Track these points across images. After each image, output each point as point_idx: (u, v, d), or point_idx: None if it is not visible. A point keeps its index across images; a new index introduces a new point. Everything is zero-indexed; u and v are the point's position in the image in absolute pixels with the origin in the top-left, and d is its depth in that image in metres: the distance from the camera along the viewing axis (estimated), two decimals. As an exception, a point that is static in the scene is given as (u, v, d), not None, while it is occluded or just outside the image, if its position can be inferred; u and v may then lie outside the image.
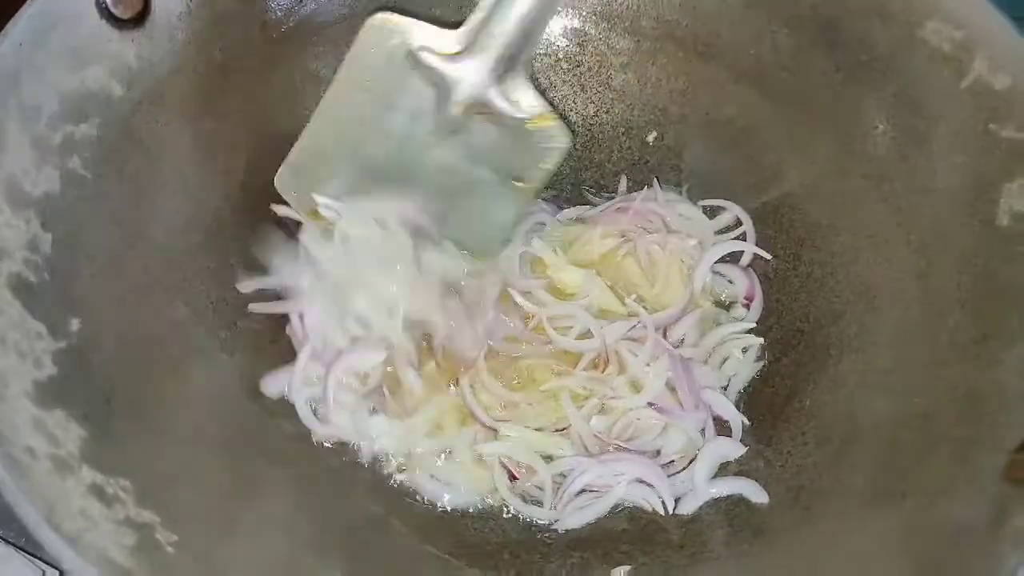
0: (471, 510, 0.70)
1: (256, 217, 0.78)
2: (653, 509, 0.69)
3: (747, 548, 0.64)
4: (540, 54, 0.89)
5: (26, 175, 0.59)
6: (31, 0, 0.61)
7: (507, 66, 0.61)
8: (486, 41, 0.61)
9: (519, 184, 0.66)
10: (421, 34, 0.65)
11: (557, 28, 0.88)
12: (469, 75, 0.62)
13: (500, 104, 0.62)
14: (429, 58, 0.64)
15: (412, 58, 0.65)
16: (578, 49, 0.89)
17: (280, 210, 0.76)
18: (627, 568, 0.64)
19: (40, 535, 0.47)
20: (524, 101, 0.63)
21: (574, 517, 0.69)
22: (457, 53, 0.63)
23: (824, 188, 0.78)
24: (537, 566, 0.66)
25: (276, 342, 0.75)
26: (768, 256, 0.79)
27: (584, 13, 0.88)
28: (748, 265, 0.81)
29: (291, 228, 0.78)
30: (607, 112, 0.89)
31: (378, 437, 0.72)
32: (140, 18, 0.68)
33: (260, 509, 0.62)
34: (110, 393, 0.59)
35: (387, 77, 0.67)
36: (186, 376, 0.67)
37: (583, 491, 0.70)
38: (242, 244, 0.76)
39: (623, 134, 0.89)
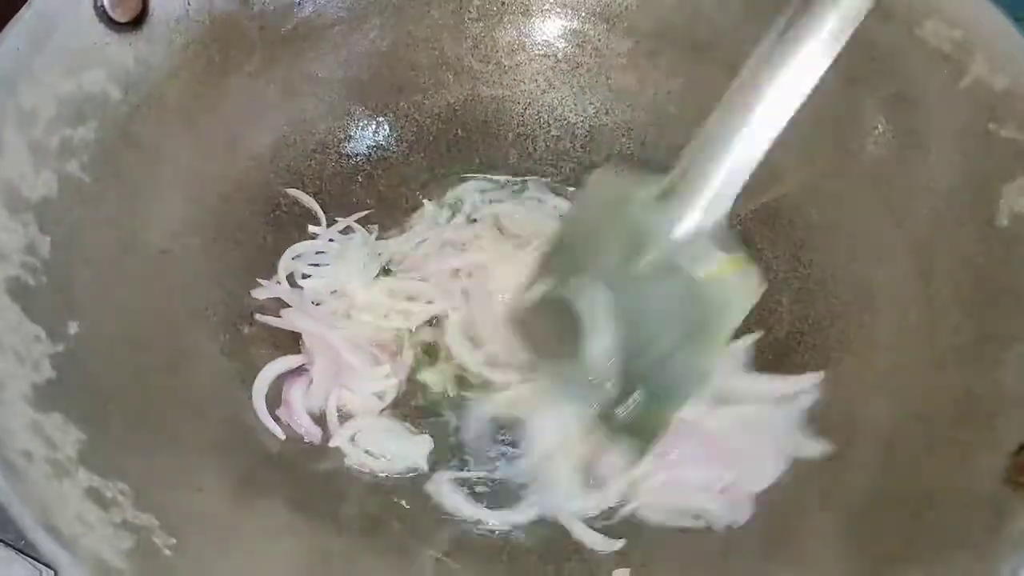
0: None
1: (256, 220, 0.78)
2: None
3: (747, 550, 0.64)
4: (538, 55, 0.89)
5: (23, 179, 0.59)
6: (28, 3, 0.62)
7: (705, 213, 0.57)
8: (683, 188, 0.57)
9: (699, 346, 0.61)
10: (633, 183, 0.63)
11: (556, 29, 0.88)
12: (661, 223, 0.59)
13: (680, 257, 0.58)
14: (632, 205, 0.61)
15: (618, 207, 0.62)
16: (577, 50, 0.88)
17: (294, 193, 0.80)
18: (627, 571, 0.64)
19: (36, 538, 0.47)
20: (712, 251, 0.58)
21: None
22: (653, 203, 0.59)
23: (823, 189, 0.77)
24: (536, 567, 0.66)
25: (277, 345, 0.75)
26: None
27: (583, 14, 0.87)
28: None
29: (289, 231, 0.79)
30: (607, 113, 0.89)
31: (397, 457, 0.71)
32: (138, 21, 0.67)
33: (259, 512, 0.63)
34: (108, 396, 0.59)
35: (599, 228, 0.65)
36: (185, 379, 0.67)
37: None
38: (243, 248, 0.77)
39: (623, 135, 0.88)
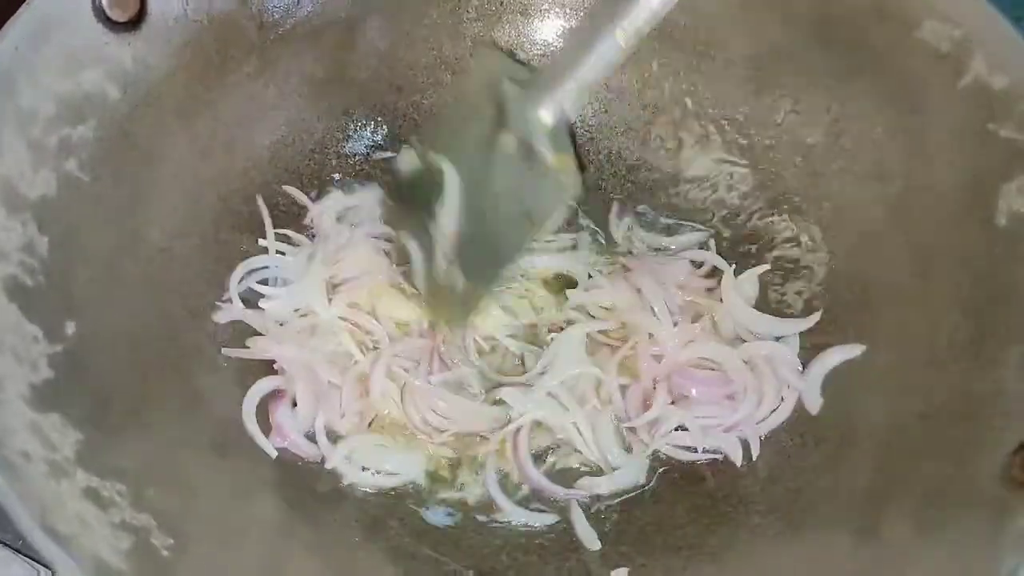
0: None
1: (253, 219, 0.78)
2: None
3: (745, 549, 0.64)
4: (539, 55, 0.89)
5: (22, 178, 0.59)
6: (27, 3, 0.61)
7: (556, 110, 0.64)
8: (544, 84, 0.64)
9: (529, 221, 0.68)
10: (508, 68, 0.69)
11: (555, 29, 0.88)
12: (522, 110, 0.65)
13: (535, 143, 0.64)
14: (503, 88, 0.67)
15: (490, 88, 0.68)
16: (575, 50, 0.88)
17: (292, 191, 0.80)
18: (625, 570, 0.64)
19: (34, 538, 0.47)
20: (556, 144, 0.65)
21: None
22: (524, 86, 0.66)
23: (821, 189, 0.77)
24: (535, 568, 0.66)
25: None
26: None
27: (580, 14, 0.87)
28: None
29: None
30: (606, 112, 0.89)
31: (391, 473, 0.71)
32: (136, 21, 0.68)
33: (257, 513, 0.63)
34: (107, 396, 0.60)
35: (476, 101, 0.70)
36: (183, 379, 0.67)
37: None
38: (241, 247, 0.77)
39: (622, 134, 0.88)
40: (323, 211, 0.81)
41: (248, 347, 0.72)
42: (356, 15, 0.82)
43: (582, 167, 0.66)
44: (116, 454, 0.56)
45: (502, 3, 0.87)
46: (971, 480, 0.55)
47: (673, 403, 0.72)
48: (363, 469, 0.70)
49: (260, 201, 0.79)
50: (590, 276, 0.80)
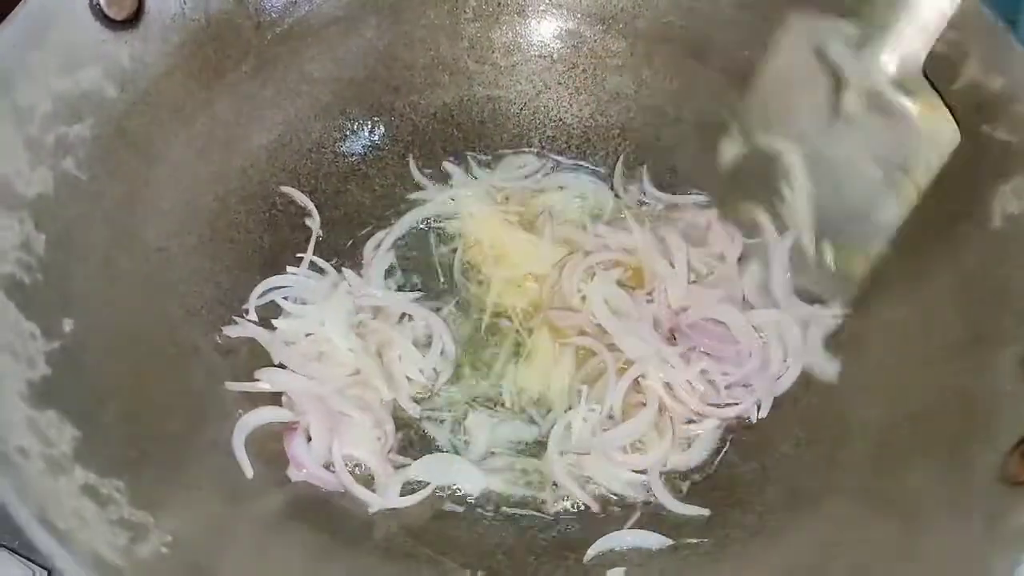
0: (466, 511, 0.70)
1: (251, 219, 0.78)
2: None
3: (740, 549, 0.64)
4: (534, 56, 0.89)
5: (19, 176, 0.59)
6: (24, 1, 0.62)
7: (902, 60, 0.62)
8: (882, 33, 0.62)
9: (904, 183, 0.65)
10: (828, 26, 0.66)
11: (552, 30, 0.88)
12: (863, 67, 0.63)
13: (893, 97, 0.62)
14: (831, 50, 0.65)
15: (817, 53, 0.66)
16: (573, 51, 0.89)
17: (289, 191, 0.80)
18: (622, 570, 0.64)
19: (31, 535, 0.47)
20: (918, 95, 0.63)
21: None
22: (857, 45, 0.64)
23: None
24: (531, 568, 0.66)
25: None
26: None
27: (579, 15, 0.88)
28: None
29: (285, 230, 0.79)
30: (602, 114, 0.89)
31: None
32: (134, 19, 0.68)
33: (254, 510, 0.63)
34: (104, 394, 0.60)
35: (798, 74, 0.69)
36: (181, 377, 0.67)
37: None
38: (238, 247, 0.77)
39: (618, 135, 0.89)
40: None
41: (257, 379, 0.71)
42: (354, 15, 0.82)
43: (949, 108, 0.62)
44: (114, 451, 0.56)
45: (500, 4, 0.87)
46: (965, 480, 0.56)
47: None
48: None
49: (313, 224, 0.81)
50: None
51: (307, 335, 0.74)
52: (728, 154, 0.74)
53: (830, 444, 0.68)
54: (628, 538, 0.67)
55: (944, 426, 0.60)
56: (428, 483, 0.69)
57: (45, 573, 0.63)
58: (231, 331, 0.73)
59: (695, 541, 0.65)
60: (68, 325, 0.60)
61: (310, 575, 0.61)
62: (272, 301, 0.75)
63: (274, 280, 0.76)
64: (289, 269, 0.77)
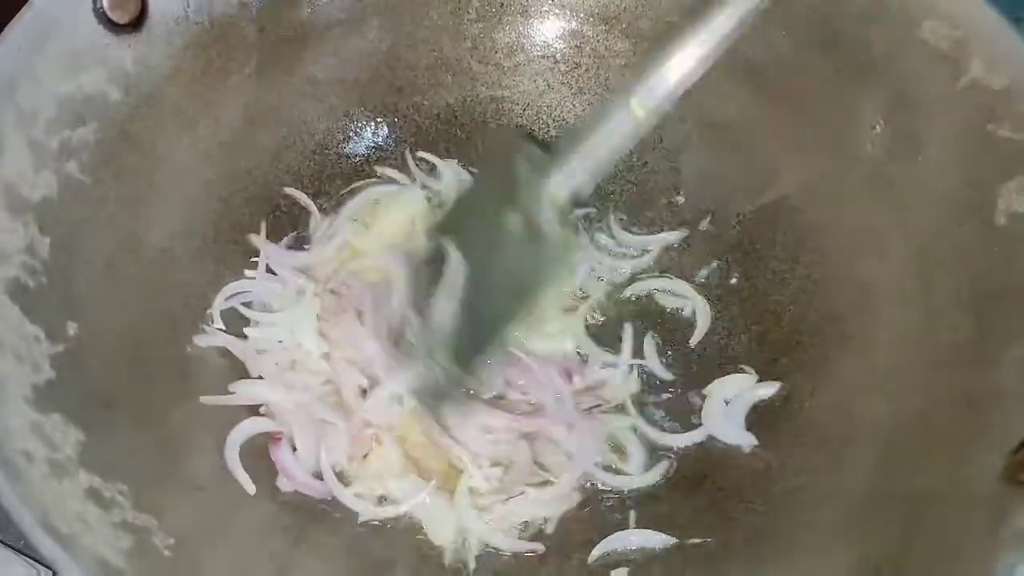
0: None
1: (255, 221, 0.78)
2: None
3: (746, 549, 0.64)
4: (537, 56, 0.89)
5: (23, 179, 0.60)
6: (28, 5, 0.62)
7: (569, 186, 0.63)
8: (559, 161, 0.63)
9: (523, 296, 0.68)
10: (522, 146, 0.67)
11: (554, 30, 0.88)
12: (534, 186, 0.64)
13: (544, 221, 0.64)
14: (517, 165, 0.66)
15: (505, 169, 0.67)
16: (575, 51, 0.89)
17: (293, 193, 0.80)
18: (625, 570, 0.64)
19: (34, 538, 0.47)
20: (563, 220, 0.64)
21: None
22: (538, 167, 0.65)
23: (822, 189, 0.77)
24: (535, 568, 0.66)
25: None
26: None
27: (581, 15, 0.88)
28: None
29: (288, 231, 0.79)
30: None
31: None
32: (137, 23, 0.68)
33: (260, 512, 0.63)
34: (108, 397, 0.60)
35: (488, 179, 0.72)
36: (185, 380, 0.68)
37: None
38: (242, 249, 0.77)
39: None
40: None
41: (232, 392, 0.70)
42: (356, 16, 0.82)
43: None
44: (118, 454, 0.56)
45: (503, 4, 0.87)
46: (970, 479, 0.55)
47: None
48: (378, 502, 0.68)
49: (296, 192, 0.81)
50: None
51: (279, 342, 0.73)
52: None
53: (836, 445, 0.67)
54: (633, 538, 0.67)
55: (950, 427, 0.60)
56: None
57: (50, 573, 0.63)
58: (201, 340, 0.71)
59: (699, 541, 0.65)
60: (72, 328, 0.60)
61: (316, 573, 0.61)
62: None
63: (236, 285, 0.75)
64: (247, 272, 0.76)
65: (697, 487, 0.70)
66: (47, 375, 0.56)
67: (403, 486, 0.68)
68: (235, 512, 0.62)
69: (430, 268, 0.69)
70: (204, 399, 0.68)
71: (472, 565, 0.66)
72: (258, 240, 0.78)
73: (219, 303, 0.74)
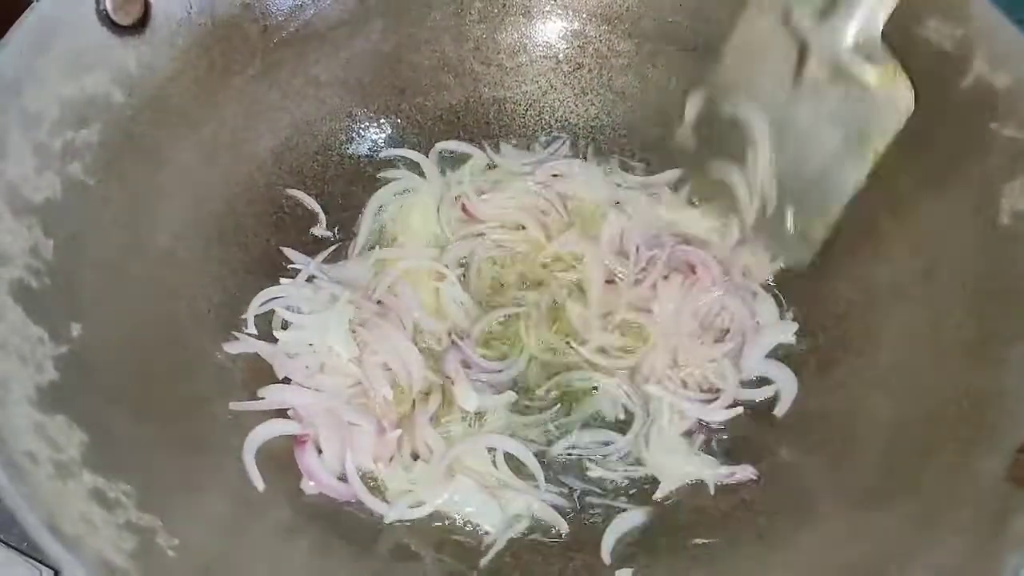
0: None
1: (259, 222, 0.78)
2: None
3: (749, 549, 0.63)
4: (540, 56, 0.89)
5: (27, 181, 0.60)
6: (31, 8, 0.62)
7: (863, 28, 0.63)
8: (844, 3, 0.63)
9: (863, 149, 0.67)
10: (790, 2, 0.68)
11: (557, 31, 0.89)
12: (826, 36, 0.64)
13: (849, 64, 0.64)
14: (794, 17, 0.66)
15: (783, 19, 0.68)
16: (578, 51, 0.89)
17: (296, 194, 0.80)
18: (630, 570, 0.64)
19: (39, 539, 0.47)
20: (877, 63, 0.64)
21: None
22: (821, 14, 0.65)
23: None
24: (539, 569, 0.66)
25: (279, 346, 0.75)
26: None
27: (584, 15, 0.88)
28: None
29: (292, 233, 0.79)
30: (608, 114, 0.89)
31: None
32: (140, 24, 0.68)
33: (262, 514, 0.63)
34: (112, 398, 0.60)
35: (762, 40, 0.70)
36: (189, 381, 0.67)
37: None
38: (246, 250, 0.77)
39: (624, 136, 0.88)
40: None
41: (262, 397, 0.70)
42: (359, 18, 0.82)
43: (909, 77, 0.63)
44: (122, 455, 0.56)
45: (504, 5, 0.87)
46: (975, 479, 0.55)
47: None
48: (410, 508, 0.68)
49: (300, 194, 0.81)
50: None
51: (309, 345, 0.73)
52: (692, 113, 0.76)
53: (841, 444, 0.67)
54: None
55: (954, 425, 0.60)
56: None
57: (51, 573, 0.63)
58: (232, 347, 0.72)
59: (703, 542, 0.65)
60: (76, 329, 0.60)
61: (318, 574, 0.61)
62: (271, 312, 0.75)
63: (271, 291, 0.75)
64: (283, 280, 0.76)
65: (700, 487, 0.70)
66: (51, 376, 0.56)
67: (442, 491, 0.68)
68: (241, 512, 0.61)
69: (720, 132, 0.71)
70: (233, 405, 0.68)
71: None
72: (296, 255, 0.79)
73: (254, 308, 0.74)
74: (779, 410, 0.73)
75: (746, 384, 0.75)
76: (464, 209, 0.83)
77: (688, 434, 0.73)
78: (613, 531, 0.67)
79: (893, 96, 0.63)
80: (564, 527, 0.68)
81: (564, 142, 0.89)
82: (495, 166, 0.87)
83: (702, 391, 0.74)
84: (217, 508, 0.60)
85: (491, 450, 0.71)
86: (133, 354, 0.63)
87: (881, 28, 0.63)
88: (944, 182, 0.68)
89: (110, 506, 0.53)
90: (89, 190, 0.64)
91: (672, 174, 0.85)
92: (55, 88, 0.63)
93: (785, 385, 0.74)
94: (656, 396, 0.73)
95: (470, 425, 0.72)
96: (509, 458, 0.70)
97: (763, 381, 0.75)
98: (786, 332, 0.76)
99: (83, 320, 0.60)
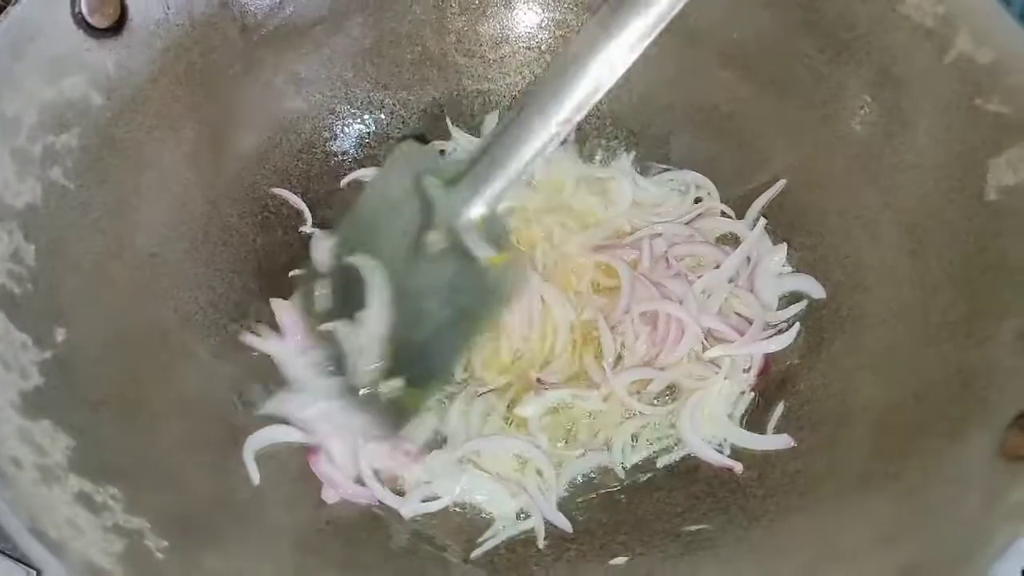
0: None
1: (243, 222, 0.78)
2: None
3: (743, 533, 0.63)
4: (522, 47, 0.89)
5: (7, 187, 0.59)
6: (6, 12, 0.61)
7: (487, 203, 0.64)
8: (472, 178, 0.64)
9: (468, 328, 0.68)
10: (430, 161, 0.69)
11: (539, 20, 0.88)
12: (449, 206, 0.65)
13: (467, 240, 0.64)
14: (426, 182, 0.67)
15: (414, 183, 0.68)
16: (561, 41, 0.88)
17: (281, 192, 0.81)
18: (624, 559, 0.64)
19: (24, 544, 0.47)
20: (493, 238, 0.65)
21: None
22: (450, 182, 0.65)
23: (812, 171, 0.77)
24: (533, 559, 0.65)
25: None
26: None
27: (566, 4, 0.87)
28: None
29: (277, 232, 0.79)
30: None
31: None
32: (117, 27, 0.67)
33: (251, 514, 0.63)
34: (98, 401, 0.59)
35: (398, 197, 0.70)
36: (176, 383, 0.67)
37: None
38: (231, 250, 0.77)
39: (610, 124, 0.88)
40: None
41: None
42: (339, 14, 0.82)
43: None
44: (109, 458, 0.56)
45: (484, -4, 0.87)
46: (965, 456, 0.55)
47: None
48: (422, 502, 0.69)
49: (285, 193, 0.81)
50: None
51: None
52: (322, 263, 0.75)
53: (833, 426, 0.67)
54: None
55: (945, 404, 0.60)
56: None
57: (34, 573, 0.63)
58: (252, 340, 0.73)
59: (696, 528, 0.65)
60: (61, 334, 0.59)
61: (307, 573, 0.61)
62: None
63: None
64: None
65: (693, 473, 0.70)
66: (35, 381, 0.56)
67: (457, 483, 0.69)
68: (229, 512, 0.61)
69: (344, 285, 0.70)
70: (252, 440, 0.67)
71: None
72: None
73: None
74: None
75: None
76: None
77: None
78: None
79: (501, 279, 0.64)
80: (568, 528, 0.68)
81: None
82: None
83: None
84: (207, 509, 0.60)
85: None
86: (119, 357, 0.63)
87: (502, 210, 0.65)
88: (930, 159, 0.67)
89: (97, 509, 0.52)
90: (70, 194, 0.64)
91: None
92: (33, 92, 0.62)
93: (811, 288, 0.75)
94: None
95: (509, 424, 0.73)
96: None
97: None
98: (780, 251, 0.77)
99: (67, 325, 0.60)
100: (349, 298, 0.71)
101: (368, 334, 0.69)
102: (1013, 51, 0.63)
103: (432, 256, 0.66)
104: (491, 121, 0.89)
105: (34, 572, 0.64)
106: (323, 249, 0.76)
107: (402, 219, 0.68)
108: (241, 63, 0.77)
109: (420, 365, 0.69)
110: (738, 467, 0.69)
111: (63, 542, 0.48)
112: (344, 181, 0.84)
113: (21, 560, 0.63)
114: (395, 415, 0.70)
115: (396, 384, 0.69)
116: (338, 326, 0.71)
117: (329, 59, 0.83)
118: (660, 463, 0.71)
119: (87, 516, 0.51)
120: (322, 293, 0.74)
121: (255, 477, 0.65)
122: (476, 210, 0.64)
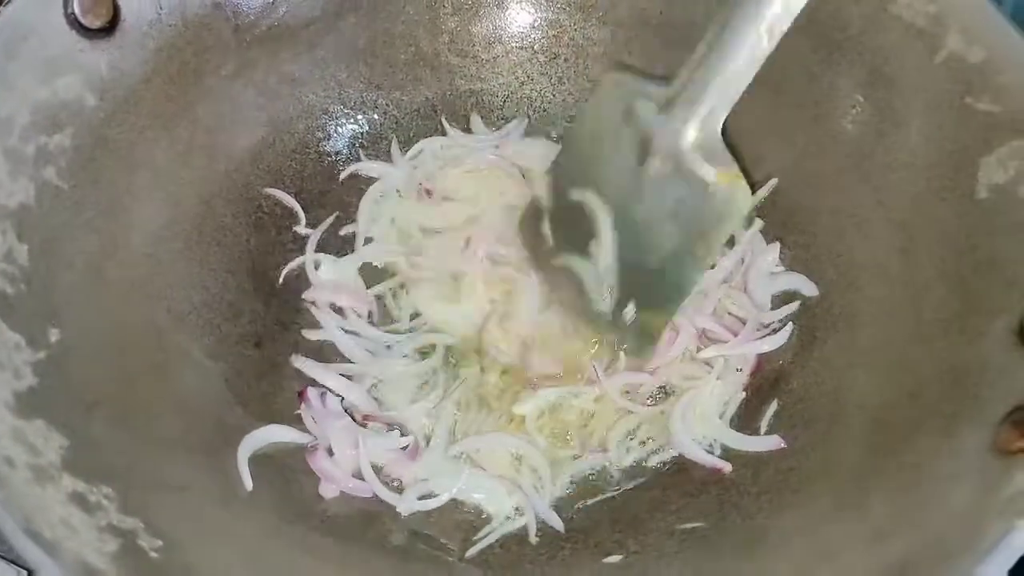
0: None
1: (237, 222, 0.78)
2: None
3: (737, 531, 0.63)
4: (515, 47, 0.89)
5: (0, 186, 0.59)
6: (-1, 12, 0.62)
7: (704, 123, 0.63)
8: (685, 99, 0.62)
9: (701, 249, 0.67)
10: (639, 88, 0.67)
11: (532, 20, 0.88)
12: (667, 130, 0.64)
13: (690, 162, 0.63)
14: (639, 110, 0.66)
15: (626, 112, 0.67)
16: (554, 41, 0.88)
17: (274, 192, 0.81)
18: (618, 557, 0.64)
19: (17, 544, 0.46)
20: (714, 159, 0.64)
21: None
22: (664, 107, 0.64)
23: (804, 170, 0.77)
24: (528, 558, 0.65)
25: (260, 346, 0.75)
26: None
27: (559, 4, 0.87)
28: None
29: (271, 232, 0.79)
30: (586, 103, 0.89)
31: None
32: (110, 27, 0.67)
33: (246, 513, 0.62)
34: (92, 401, 0.59)
35: (608, 131, 0.69)
36: (170, 382, 0.67)
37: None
38: (225, 250, 0.77)
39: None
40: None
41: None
42: (332, 14, 0.82)
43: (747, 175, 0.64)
44: (102, 458, 0.56)
45: (477, -4, 0.87)
46: (959, 452, 0.55)
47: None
48: (419, 499, 0.69)
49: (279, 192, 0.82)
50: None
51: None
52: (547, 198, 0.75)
53: (826, 423, 0.67)
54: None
55: (937, 401, 0.60)
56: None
57: (26, 574, 0.63)
58: (311, 335, 0.76)
59: (691, 526, 0.65)
60: (54, 335, 0.59)
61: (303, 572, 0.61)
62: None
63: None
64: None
65: (687, 472, 0.70)
66: (29, 382, 0.56)
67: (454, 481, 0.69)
68: (224, 512, 0.61)
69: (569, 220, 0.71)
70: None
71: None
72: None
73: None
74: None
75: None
76: (426, 191, 0.84)
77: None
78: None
79: (731, 198, 0.64)
80: (560, 527, 0.68)
81: (523, 120, 0.89)
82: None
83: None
84: (201, 508, 0.60)
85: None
86: (113, 357, 0.63)
87: (721, 128, 0.63)
88: (921, 158, 0.68)
89: (91, 509, 0.52)
90: (64, 194, 0.64)
91: None
92: (26, 93, 0.62)
93: (803, 286, 0.75)
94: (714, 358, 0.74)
95: (508, 422, 0.73)
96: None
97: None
98: (772, 251, 0.78)
99: (61, 325, 0.60)
100: (575, 232, 0.72)
101: (603, 265, 0.70)
102: (1004, 50, 0.63)
103: (656, 183, 0.66)
104: (476, 121, 0.89)
105: (25, 573, 0.63)
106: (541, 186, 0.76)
107: (619, 149, 0.67)
108: (234, 63, 0.77)
109: (656, 291, 0.70)
110: (727, 468, 0.69)
111: (57, 542, 0.48)
112: (343, 175, 0.85)
113: (15, 562, 0.63)
114: (639, 341, 0.72)
115: (632, 311, 0.70)
116: (574, 260, 0.73)
117: (322, 59, 0.83)
118: (654, 461, 0.71)
119: (81, 516, 0.51)
120: (547, 230, 0.75)
121: (248, 483, 0.65)
122: (693, 132, 0.63)
